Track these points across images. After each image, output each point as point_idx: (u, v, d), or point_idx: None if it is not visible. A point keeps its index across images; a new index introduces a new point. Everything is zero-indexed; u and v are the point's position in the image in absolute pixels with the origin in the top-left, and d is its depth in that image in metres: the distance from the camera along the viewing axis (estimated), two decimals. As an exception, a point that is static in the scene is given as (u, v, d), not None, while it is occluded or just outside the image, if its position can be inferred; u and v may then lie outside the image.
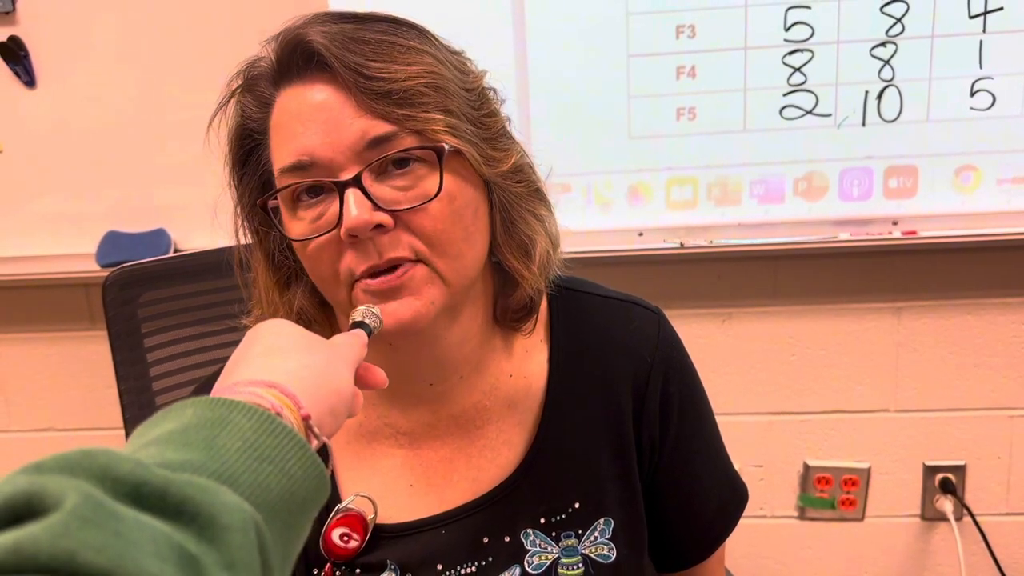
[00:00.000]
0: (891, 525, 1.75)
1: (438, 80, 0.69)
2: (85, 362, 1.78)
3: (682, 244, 1.58)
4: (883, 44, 1.48)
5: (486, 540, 0.79)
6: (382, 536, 0.78)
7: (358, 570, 0.78)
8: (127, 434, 1.10)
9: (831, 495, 1.74)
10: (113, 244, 1.65)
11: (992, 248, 1.57)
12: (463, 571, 0.78)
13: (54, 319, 1.76)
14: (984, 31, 1.47)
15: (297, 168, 0.68)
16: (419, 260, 0.68)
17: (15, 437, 1.83)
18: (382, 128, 0.67)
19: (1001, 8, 1.46)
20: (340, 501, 0.78)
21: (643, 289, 1.68)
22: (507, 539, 0.79)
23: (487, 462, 0.80)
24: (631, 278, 1.61)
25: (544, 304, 0.82)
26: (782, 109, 1.52)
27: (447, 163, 0.68)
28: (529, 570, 0.79)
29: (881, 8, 1.47)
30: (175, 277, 1.15)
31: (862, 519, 1.76)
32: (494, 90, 0.76)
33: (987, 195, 1.54)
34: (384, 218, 0.66)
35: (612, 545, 0.81)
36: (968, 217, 1.54)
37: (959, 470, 1.71)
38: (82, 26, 1.58)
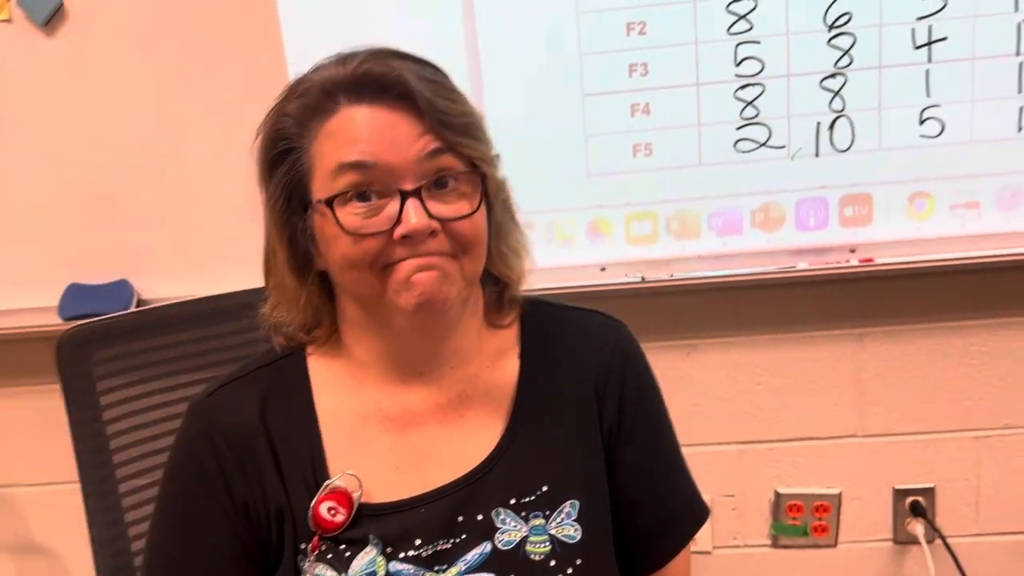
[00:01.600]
0: (864, 550, 1.76)
1: (476, 120, 0.85)
2: (52, 415, 1.76)
3: (643, 278, 1.59)
4: (832, 76, 1.51)
5: (460, 519, 0.86)
6: (366, 513, 0.85)
7: (342, 544, 0.84)
8: (84, 491, 1.10)
9: (803, 522, 1.75)
10: (76, 297, 1.65)
11: (948, 272, 1.59)
12: (439, 547, 0.85)
13: (17, 373, 1.75)
14: (930, 60, 1.50)
15: (359, 166, 0.79)
16: (453, 257, 0.82)
17: (-20, 493, 1.82)
18: (437, 144, 0.80)
19: (945, 38, 1.49)
20: (329, 478, 0.85)
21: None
22: (480, 518, 0.86)
23: (466, 447, 0.88)
24: (595, 313, 1.62)
25: (516, 312, 0.94)
26: (736, 142, 1.54)
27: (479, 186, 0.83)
28: (499, 547, 0.86)
29: (829, 41, 1.50)
30: (132, 334, 1.14)
31: (835, 545, 1.76)
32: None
33: (941, 220, 1.56)
34: (436, 225, 0.80)
35: (578, 526, 0.88)
36: (924, 243, 1.56)
37: (928, 493, 1.72)
38: (42, 79, 1.59)
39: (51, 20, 1.55)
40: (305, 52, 1.52)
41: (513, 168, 1.53)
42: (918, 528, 1.71)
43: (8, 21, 1.56)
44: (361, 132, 0.79)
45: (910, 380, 1.67)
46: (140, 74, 1.58)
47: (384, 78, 0.80)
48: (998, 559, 1.73)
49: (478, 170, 0.83)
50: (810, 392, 1.69)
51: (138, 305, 1.66)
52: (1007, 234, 1.55)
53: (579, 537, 0.87)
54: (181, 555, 0.88)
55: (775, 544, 1.77)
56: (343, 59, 0.82)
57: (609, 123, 1.55)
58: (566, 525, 0.87)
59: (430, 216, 0.79)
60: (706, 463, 1.72)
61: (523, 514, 0.87)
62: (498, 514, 0.86)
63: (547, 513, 0.87)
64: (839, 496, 1.73)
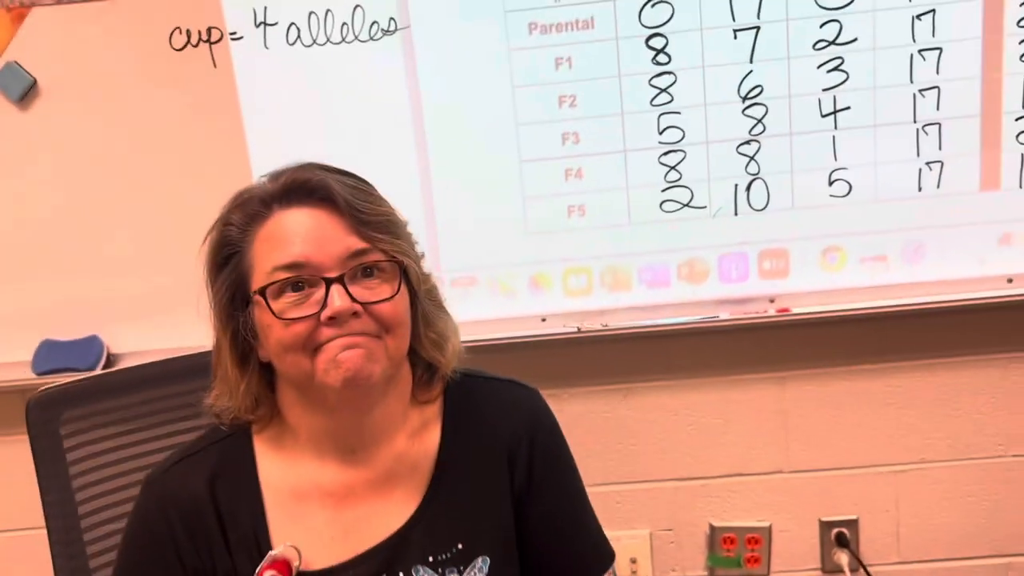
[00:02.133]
0: (795, 579, 1.88)
1: (395, 219, 0.96)
2: (24, 464, 1.85)
3: (579, 328, 1.71)
4: (747, 142, 1.65)
5: None
6: None
7: None
8: (51, 543, 1.19)
9: (737, 553, 1.86)
10: (48, 352, 1.75)
11: (861, 320, 1.72)
12: None
13: (-7, 424, 1.85)
14: (836, 127, 1.64)
15: (292, 267, 0.90)
16: (377, 336, 0.91)
17: (-44, 538, 1.90)
18: (361, 244, 0.92)
19: (849, 107, 1.63)
20: (272, 548, 0.95)
21: (548, 369, 1.81)
22: (401, 575, 0.96)
23: (391, 516, 0.98)
24: (537, 360, 1.74)
25: (440, 388, 1.03)
26: (662, 203, 1.68)
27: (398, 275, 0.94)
28: None
29: (743, 111, 1.63)
30: (96, 395, 1.24)
31: (768, 575, 1.87)
32: (412, 233, 1.01)
33: (852, 272, 1.69)
34: (358, 307, 0.90)
35: None
36: (836, 293, 1.69)
37: (852, 524, 1.84)
38: (13, 151, 1.70)
39: (25, 96, 1.66)
40: (263, 134, 1.66)
41: (458, 230, 1.68)
42: (843, 558, 1.83)
43: (-15, 98, 1.67)
44: (292, 235, 0.91)
45: (831, 419, 1.80)
46: (109, 142, 1.69)
47: (308, 183, 0.92)
48: (918, 586, 1.86)
49: (396, 260, 0.93)
50: (738, 431, 1.81)
51: (108, 358, 1.76)
52: (913, 284, 1.68)
53: None
54: None
55: (712, 575, 1.88)
56: (276, 175, 0.95)
57: (545, 186, 1.68)
58: None
59: (353, 300, 0.89)
60: (645, 499, 1.84)
61: (440, 570, 0.97)
62: (418, 570, 0.96)
63: (461, 568, 0.97)
64: (769, 528, 1.85)
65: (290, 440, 0.99)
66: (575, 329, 1.71)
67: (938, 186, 1.65)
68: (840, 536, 1.84)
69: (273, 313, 0.90)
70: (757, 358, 1.77)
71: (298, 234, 0.91)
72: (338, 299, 0.89)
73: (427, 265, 1.02)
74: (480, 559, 0.98)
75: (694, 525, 1.86)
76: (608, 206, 1.68)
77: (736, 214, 1.67)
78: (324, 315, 0.89)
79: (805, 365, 1.78)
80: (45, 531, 1.81)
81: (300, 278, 0.90)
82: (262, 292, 0.91)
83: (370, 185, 0.98)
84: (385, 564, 0.96)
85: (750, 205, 1.67)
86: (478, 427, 1.03)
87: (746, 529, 1.85)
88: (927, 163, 1.64)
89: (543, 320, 1.74)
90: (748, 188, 1.66)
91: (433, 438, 1.02)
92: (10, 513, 1.89)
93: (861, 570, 1.84)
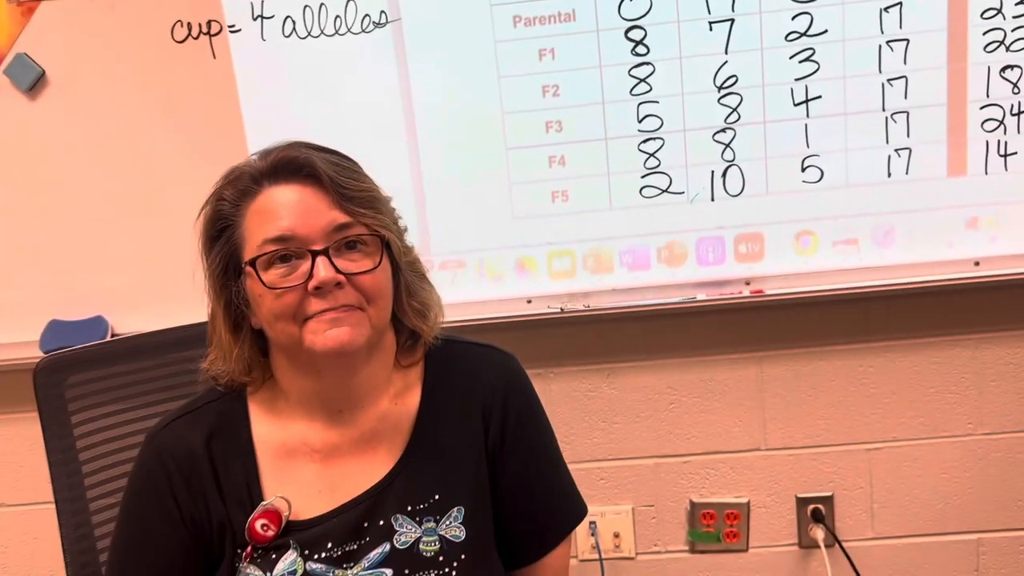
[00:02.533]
0: (773, 554, 1.94)
1: (377, 195, 1.03)
2: (33, 441, 1.93)
3: (563, 309, 1.78)
4: (723, 130, 1.72)
5: (366, 524, 1.04)
6: (293, 528, 1.04)
7: (270, 551, 1.03)
8: (57, 508, 1.27)
9: (716, 529, 1.93)
10: (55, 332, 1.83)
11: (834, 301, 1.78)
12: (347, 548, 1.03)
13: (1, 402, 1.92)
14: (808, 116, 1.71)
15: (281, 239, 0.97)
16: (359, 308, 0.98)
17: (-34, 513, 1.98)
18: (345, 219, 0.99)
19: (820, 96, 1.69)
20: (264, 499, 1.04)
21: (533, 349, 1.88)
22: (381, 523, 1.04)
23: (374, 470, 1.07)
24: (522, 340, 1.79)
25: (421, 352, 1.11)
26: (641, 189, 1.75)
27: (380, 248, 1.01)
28: (397, 546, 1.04)
29: (718, 100, 1.70)
30: (99, 362, 1.33)
31: (747, 550, 1.94)
32: (395, 208, 1.09)
33: (824, 256, 1.76)
34: (341, 278, 0.97)
35: (463, 528, 1.06)
36: (810, 276, 1.76)
37: (827, 500, 1.90)
38: (22, 138, 1.78)
39: (34, 86, 1.74)
40: (260, 123, 1.74)
41: (447, 215, 1.76)
42: (819, 533, 1.90)
43: (-5, 88, 1.76)
44: (280, 209, 0.98)
45: (806, 398, 1.86)
46: (113, 129, 1.76)
47: (295, 161, 1.00)
48: (892, 560, 1.92)
49: (378, 235, 1.01)
50: (717, 410, 1.88)
51: (112, 338, 1.84)
52: (884, 267, 1.75)
53: (463, 537, 1.05)
54: (138, 558, 1.06)
55: (692, 550, 1.95)
56: (265, 153, 1.03)
57: (530, 173, 1.75)
58: (453, 527, 1.05)
59: (337, 271, 0.97)
60: (627, 476, 1.91)
61: (417, 519, 1.05)
62: (396, 519, 1.04)
63: (437, 518, 1.05)
64: (748, 504, 1.92)
65: (281, 402, 1.08)
66: (559, 310, 1.79)
67: (907, 172, 1.72)
68: (816, 512, 1.90)
69: (264, 284, 0.98)
70: (735, 339, 1.84)
71: (286, 208, 0.98)
72: (323, 270, 0.96)
73: (410, 239, 1.10)
74: (455, 509, 1.06)
75: (675, 501, 1.93)
76: (590, 192, 1.75)
77: (713, 199, 1.74)
78: (310, 285, 0.96)
79: (781, 346, 1.84)
80: (52, 505, 1.90)
81: (288, 250, 0.97)
82: (253, 263, 0.98)
83: (354, 163, 1.05)
84: (367, 513, 1.04)
85: (726, 191, 1.74)
86: (455, 386, 1.11)
87: (725, 505, 1.92)
88: (896, 150, 1.71)
89: (528, 302, 1.81)
90: (724, 174, 1.74)
91: (414, 399, 1.10)
92: (20, 488, 1.96)
93: (836, 545, 1.90)
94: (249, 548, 1.02)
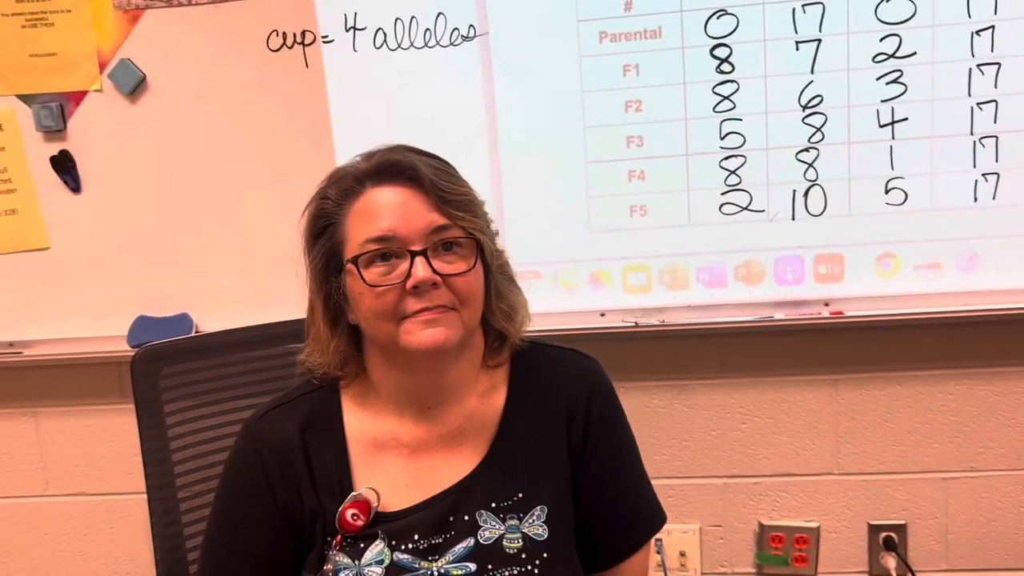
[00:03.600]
0: (842, 581, 1.91)
1: (473, 199, 1.06)
2: (115, 432, 2.01)
3: (636, 323, 1.79)
4: (806, 149, 1.71)
5: (451, 519, 1.06)
6: (381, 519, 1.06)
7: (359, 540, 1.05)
8: (148, 495, 1.31)
9: (785, 552, 1.90)
10: (143, 327, 1.89)
11: (914, 326, 1.76)
12: (433, 541, 1.05)
13: (89, 394, 1.99)
14: (893, 137, 1.69)
15: (382, 239, 1.01)
16: (453, 308, 1.01)
17: (51, 501, 2.05)
18: (443, 221, 1.02)
19: (907, 118, 1.68)
20: (355, 490, 1.06)
21: (605, 363, 1.89)
22: (466, 518, 1.06)
23: (460, 465, 1.09)
24: (595, 353, 1.79)
25: (508, 354, 1.13)
26: (721, 206, 1.75)
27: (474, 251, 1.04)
28: (481, 542, 1.06)
29: (803, 119, 1.70)
30: (193, 354, 1.37)
31: (815, 574, 1.91)
32: (488, 212, 1.10)
33: (906, 279, 1.74)
34: (438, 279, 1.00)
35: (545, 527, 1.07)
36: (890, 299, 1.74)
37: (900, 529, 1.87)
38: (121, 141, 1.85)
39: (135, 90, 1.82)
40: (349, 132, 1.78)
41: (525, 226, 1.78)
42: (891, 562, 1.86)
43: (99, 91, 1.83)
44: (382, 209, 1.01)
45: (881, 423, 1.84)
46: (208, 134, 1.83)
47: (397, 164, 1.03)
48: (967, 594, 1.87)
49: (473, 237, 1.03)
50: (790, 432, 1.86)
51: (196, 334, 1.90)
52: (967, 292, 1.72)
53: (546, 536, 1.07)
54: (232, 542, 1.09)
55: (759, 572, 1.92)
56: (369, 155, 1.06)
57: (609, 187, 1.77)
58: (536, 525, 1.07)
59: (434, 271, 1.00)
60: (695, 495, 1.90)
61: (501, 516, 1.06)
62: (481, 515, 1.06)
63: (520, 516, 1.07)
64: (818, 529, 1.89)
65: (373, 396, 1.11)
66: (633, 324, 1.79)
67: (994, 197, 1.69)
68: (888, 540, 1.87)
69: (364, 281, 1.01)
70: (810, 360, 1.83)
71: (387, 209, 1.01)
72: (421, 270, 0.99)
73: (500, 243, 1.12)
74: (539, 508, 1.08)
75: (743, 522, 1.91)
76: (669, 207, 1.76)
77: (793, 219, 1.74)
78: (408, 284, 0.99)
79: (858, 369, 1.82)
80: (129, 495, 1.95)
81: (388, 249, 1.01)
82: (355, 261, 1.02)
83: (452, 167, 1.08)
84: (452, 507, 1.07)
85: (807, 210, 1.73)
86: (541, 389, 1.12)
87: (795, 529, 1.89)
88: (983, 174, 1.69)
89: (602, 315, 1.82)
90: (806, 194, 1.73)
91: (500, 399, 1.12)
92: (110, 477, 2.03)
93: (909, 574, 1.86)
94: (339, 536, 1.05)
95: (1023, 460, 1.82)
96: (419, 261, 0.99)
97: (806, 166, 1.72)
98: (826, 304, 1.76)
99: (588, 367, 1.16)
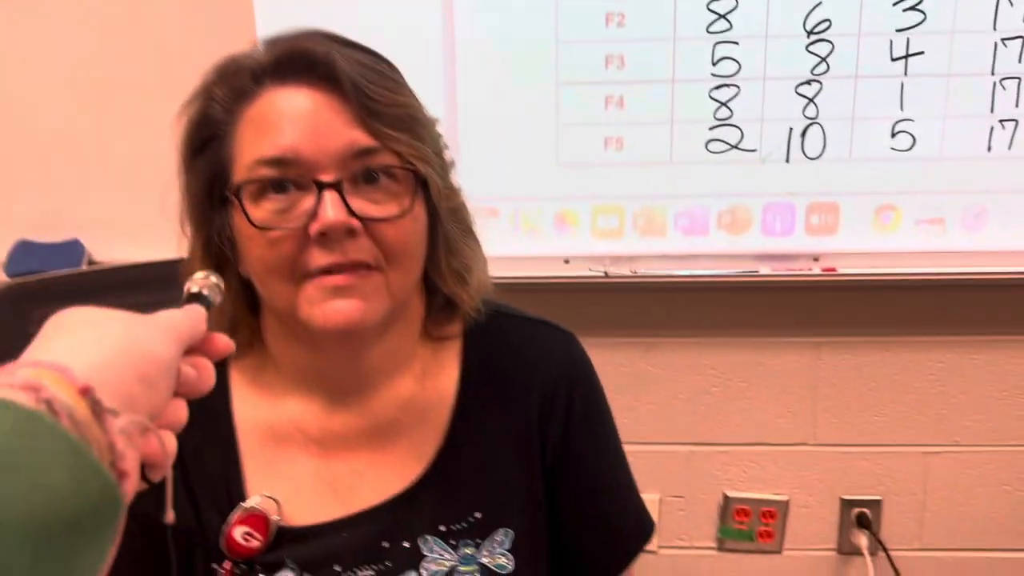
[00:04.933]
0: (808, 558, 1.76)
1: (418, 114, 0.77)
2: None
3: (606, 273, 1.58)
4: (808, 82, 1.50)
5: (385, 545, 0.81)
6: (284, 537, 0.80)
7: (258, 567, 0.80)
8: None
9: (749, 527, 1.75)
10: (24, 253, 1.60)
11: (910, 287, 1.59)
12: (360, 573, 0.80)
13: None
14: (905, 74, 1.49)
15: (278, 162, 0.72)
16: (376, 268, 0.73)
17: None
18: (369, 141, 0.72)
19: (922, 52, 1.48)
20: (245, 499, 0.80)
21: (568, 316, 1.66)
22: (406, 544, 0.81)
23: (394, 470, 0.83)
24: (556, 304, 1.56)
25: (459, 323, 0.86)
26: (708, 142, 1.53)
27: (413, 187, 0.75)
28: None
29: (807, 47, 1.49)
30: (74, 294, 1.11)
31: (780, 551, 1.77)
32: (442, 135, 0.81)
33: (906, 235, 1.56)
34: (355, 223, 0.71)
35: (511, 556, 0.83)
36: (887, 256, 1.56)
37: (875, 505, 1.72)
38: (9, 35, 1.54)
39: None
40: (277, 26, 1.50)
41: (481, 154, 1.54)
42: (862, 540, 1.72)
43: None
44: (282, 119, 0.72)
45: (864, 392, 1.68)
46: (97, 42, 1.54)
47: (309, 55, 0.73)
48: (939, 574, 1.75)
49: (413, 168, 0.74)
50: (765, 398, 1.69)
51: (89, 265, 1.62)
52: (970, 252, 1.55)
53: (511, 568, 0.83)
54: None
55: (721, 547, 1.77)
56: (274, 41, 0.76)
57: (582, 114, 1.53)
58: (498, 554, 0.83)
59: (351, 212, 0.71)
60: (656, 462, 1.72)
61: (452, 542, 0.82)
62: (425, 541, 0.81)
63: (478, 541, 0.82)
64: (787, 503, 1.74)
65: (271, 373, 0.84)
66: (602, 274, 1.58)
67: (1009, 147, 1.51)
68: (861, 517, 1.72)
69: (250, 221, 0.73)
70: (793, 320, 1.65)
71: (289, 119, 0.72)
72: (331, 210, 0.70)
73: (456, 179, 0.84)
74: (501, 531, 0.83)
75: (707, 494, 1.75)
76: (649, 141, 1.53)
77: (787, 161, 1.53)
78: (312, 228, 0.71)
79: (843, 332, 1.65)
80: None
81: (286, 177, 0.72)
82: (238, 191, 0.73)
83: (390, 66, 0.78)
84: (386, 530, 0.81)
85: (803, 152, 1.53)
86: (505, 373, 0.86)
87: (762, 502, 1.74)
88: (1001, 120, 1.50)
89: (566, 262, 1.60)
90: (803, 133, 1.52)
91: (449, 382, 0.85)
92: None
93: (880, 553, 1.73)
94: (228, 564, 0.79)
95: (1010, 436, 1.68)
96: (329, 196, 0.71)
97: (806, 101, 1.51)
98: (816, 259, 1.57)
99: (567, 348, 0.90)
